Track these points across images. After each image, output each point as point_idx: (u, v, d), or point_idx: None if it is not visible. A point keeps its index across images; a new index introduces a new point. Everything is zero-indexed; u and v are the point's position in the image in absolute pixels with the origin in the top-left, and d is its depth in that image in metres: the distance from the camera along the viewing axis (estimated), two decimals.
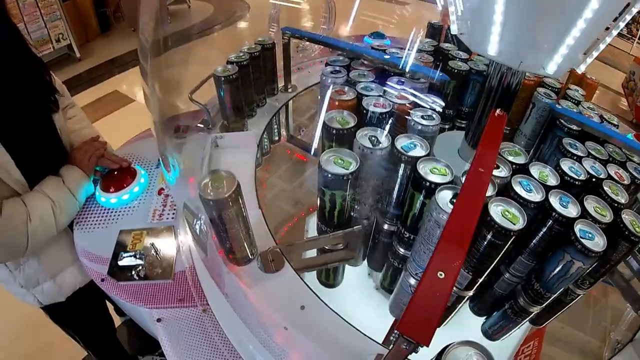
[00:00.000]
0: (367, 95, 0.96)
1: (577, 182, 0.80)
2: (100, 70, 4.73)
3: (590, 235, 0.69)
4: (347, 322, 0.85)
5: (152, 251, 0.97)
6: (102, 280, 0.92)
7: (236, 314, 0.82)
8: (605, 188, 0.79)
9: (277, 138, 1.55)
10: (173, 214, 1.10)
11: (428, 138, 0.85)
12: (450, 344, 0.52)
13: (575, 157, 0.87)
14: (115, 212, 1.17)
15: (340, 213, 0.88)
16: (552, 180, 0.80)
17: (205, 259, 0.90)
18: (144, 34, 0.93)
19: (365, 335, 0.85)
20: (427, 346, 0.48)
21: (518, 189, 0.75)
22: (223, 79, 1.16)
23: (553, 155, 0.97)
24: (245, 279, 0.88)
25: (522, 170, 0.81)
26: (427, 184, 0.72)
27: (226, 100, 1.22)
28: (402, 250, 0.90)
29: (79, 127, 1.31)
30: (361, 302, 1.14)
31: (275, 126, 1.51)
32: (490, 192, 0.71)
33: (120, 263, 0.97)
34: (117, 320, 1.76)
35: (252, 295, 0.85)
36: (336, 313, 0.85)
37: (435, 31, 1.52)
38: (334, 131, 0.87)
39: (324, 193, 0.84)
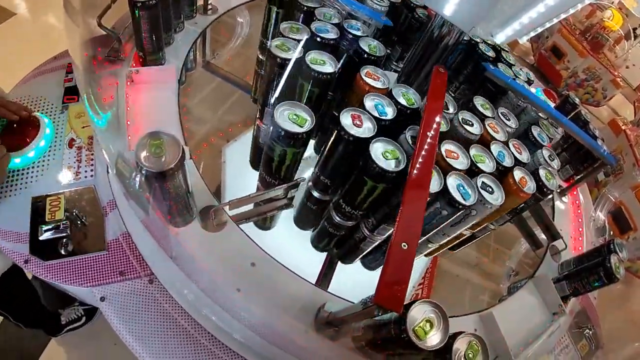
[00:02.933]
0: None
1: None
2: None
3: None
4: (296, 274, 0.89)
5: (76, 219, 0.84)
6: (26, 261, 0.78)
7: (187, 277, 0.79)
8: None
9: (192, 65, 1.39)
10: (91, 171, 0.94)
11: None
12: (410, 303, 0.59)
13: None
14: (22, 174, 0.97)
15: (289, 167, 0.87)
16: None
17: (147, 219, 0.82)
18: None
19: (313, 284, 0.92)
20: (399, 313, 0.55)
21: None
22: (140, 4, 0.94)
23: None
24: (191, 241, 0.85)
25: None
26: None
27: (143, 29, 1.01)
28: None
29: None
30: (291, 240, 1.16)
31: (192, 52, 1.34)
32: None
33: (42, 238, 0.82)
34: None
35: (201, 256, 0.83)
36: (286, 267, 0.89)
37: None
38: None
39: (274, 148, 0.80)
